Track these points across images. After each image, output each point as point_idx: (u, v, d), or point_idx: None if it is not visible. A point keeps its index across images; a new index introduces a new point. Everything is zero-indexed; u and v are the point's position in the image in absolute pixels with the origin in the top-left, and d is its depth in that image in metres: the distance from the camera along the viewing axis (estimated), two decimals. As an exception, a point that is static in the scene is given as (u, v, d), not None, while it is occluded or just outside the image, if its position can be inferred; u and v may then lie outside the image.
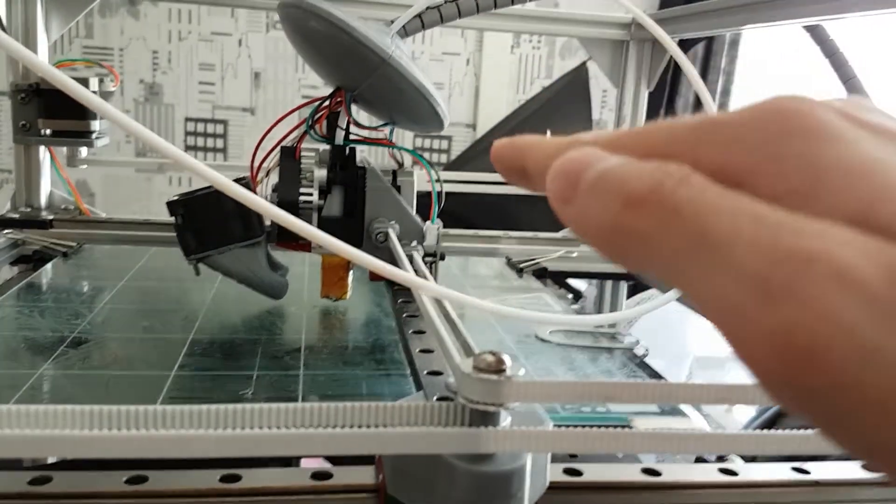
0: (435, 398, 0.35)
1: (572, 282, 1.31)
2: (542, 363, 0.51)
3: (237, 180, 0.59)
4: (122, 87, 1.98)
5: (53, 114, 0.79)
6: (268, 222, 0.58)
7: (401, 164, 0.61)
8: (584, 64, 1.91)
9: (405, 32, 0.59)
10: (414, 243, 0.56)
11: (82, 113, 0.79)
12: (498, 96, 2.06)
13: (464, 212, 1.67)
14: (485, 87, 2.06)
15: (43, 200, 0.84)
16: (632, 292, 0.99)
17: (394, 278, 0.37)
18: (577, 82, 1.93)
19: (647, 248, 0.15)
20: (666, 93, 1.98)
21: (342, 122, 0.58)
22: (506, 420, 0.29)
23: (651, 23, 0.56)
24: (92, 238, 0.78)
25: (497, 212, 1.48)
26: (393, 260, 0.55)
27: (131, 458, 0.26)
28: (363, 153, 0.63)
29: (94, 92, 0.78)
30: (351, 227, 0.58)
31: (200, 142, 2.04)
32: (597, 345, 0.55)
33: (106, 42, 1.97)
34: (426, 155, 2.08)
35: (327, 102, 0.58)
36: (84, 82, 0.78)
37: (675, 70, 1.97)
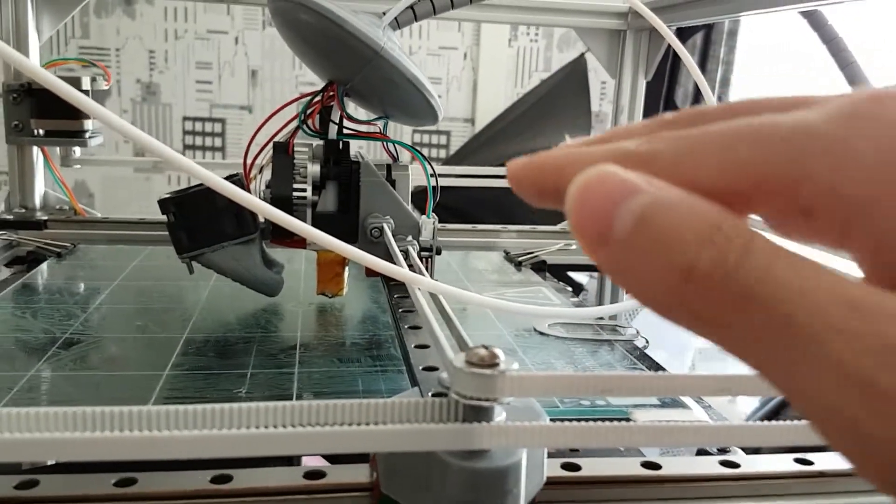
0: (430, 394, 0.34)
1: (573, 275, 1.31)
2: (541, 357, 0.50)
3: (230, 177, 0.59)
4: (118, 87, 1.98)
5: (46, 113, 0.78)
6: (262, 219, 0.57)
7: (395, 159, 0.60)
8: (582, 56, 1.90)
9: (397, 24, 0.58)
10: (409, 238, 0.56)
11: (75, 112, 0.78)
12: (496, 90, 2.05)
13: (463, 206, 1.67)
14: (483, 82, 2.05)
15: (37, 201, 0.83)
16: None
17: (387, 273, 0.36)
18: (575, 74, 1.92)
19: (719, 332, 0.13)
20: (665, 83, 1.97)
21: (335, 117, 0.58)
22: (501, 415, 0.29)
23: (647, 11, 0.56)
24: (86, 238, 0.77)
25: (496, 206, 1.48)
26: (388, 255, 0.54)
27: (119, 460, 0.25)
28: (361, 149, 0.62)
29: (86, 91, 0.77)
30: (346, 222, 0.57)
31: (199, 140, 2.04)
32: (596, 337, 0.54)
33: (102, 42, 1.96)
34: (424, 150, 2.07)
35: (319, 97, 0.58)
36: (76, 81, 0.78)
37: (673, 60, 1.96)
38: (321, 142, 0.58)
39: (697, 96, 1.94)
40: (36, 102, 0.78)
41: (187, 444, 0.24)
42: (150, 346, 0.49)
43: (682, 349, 1.74)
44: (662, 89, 1.98)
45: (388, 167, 0.58)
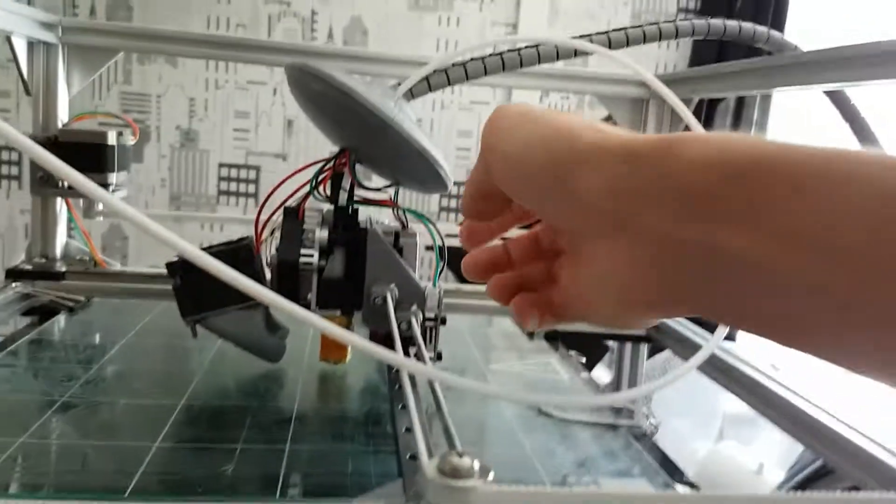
0: (408, 495, 0.33)
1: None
2: (542, 441, 0.48)
3: (240, 240, 0.59)
4: (158, 132, 2.02)
5: (71, 166, 0.79)
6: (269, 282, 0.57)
7: (405, 226, 0.60)
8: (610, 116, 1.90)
9: (412, 95, 0.58)
10: (414, 307, 0.55)
11: (101, 166, 0.80)
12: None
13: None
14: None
15: (58, 251, 0.84)
16: (651, 352, 0.95)
17: (378, 357, 0.35)
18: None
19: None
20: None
21: (346, 183, 0.57)
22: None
23: (659, 84, 0.55)
24: (103, 290, 0.78)
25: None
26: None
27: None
28: (382, 217, 0.62)
29: (112, 146, 0.79)
30: (352, 289, 0.57)
31: (234, 187, 2.07)
32: (600, 420, 0.52)
33: (144, 88, 2.01)
34: (450, 202, 2.08)
35: (332, 163, 0.58)
36: (101, 136, 0.79)
37: (706, 123, 1.94)
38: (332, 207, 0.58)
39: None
40: (61, 155, 0.78)
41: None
42: (145, 413, 0.49)
43: (710, 416, 1.69)
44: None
45: (396, 234, 0.58)
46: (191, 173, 2.05)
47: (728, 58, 0.77)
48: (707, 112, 1.96)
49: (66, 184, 0.80)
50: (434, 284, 0.59)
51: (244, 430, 0.47)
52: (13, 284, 0.75)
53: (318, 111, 0.56)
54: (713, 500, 0.26)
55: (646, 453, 0.47)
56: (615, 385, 0.97)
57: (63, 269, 0.80)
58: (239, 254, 0.55)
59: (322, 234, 0.57)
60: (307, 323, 0.33)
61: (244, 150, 2.06)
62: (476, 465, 0.26)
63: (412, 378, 0.48)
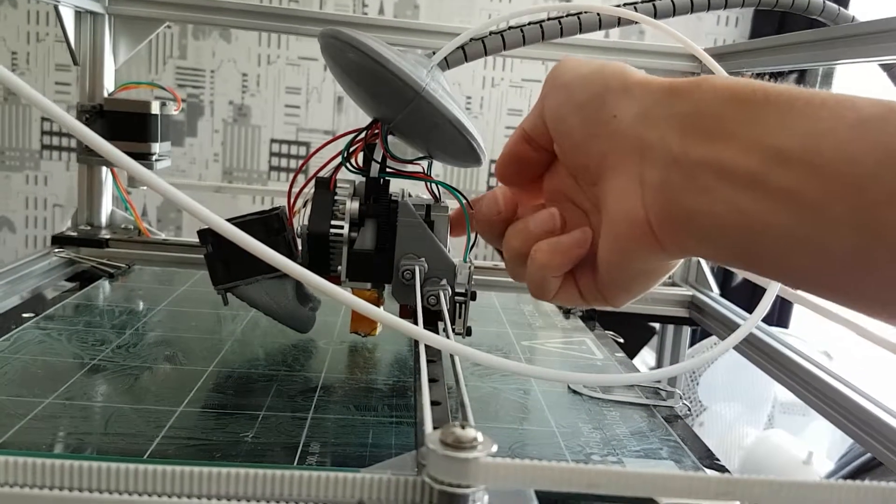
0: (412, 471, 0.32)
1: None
2: (569, 419, 0.47)
3: (272, 210, 0.59)
4: (212, 107, 2.05)
5: (116, 135, 0.81)
6: (299, 253, 0.57)
7: (437, 199, 0.59)
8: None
9: (447, 64, 0.57)
10: (443, 282, 0.54)
11: (144, 135, 0.80)
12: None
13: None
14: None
15: (104, 219, 0.86)
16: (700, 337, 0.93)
17: (397, 328, 0.34)
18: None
19: None
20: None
21: (378, 155, 0.57)
22: (482, 500, 0.26)
23: (706, 56, 0.53)
24: (144, 259, 0.79)
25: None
26: (421, 297, 0.53)
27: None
28: (415, 189, 0.61)
29: (155, 115, 0.79)
30: (382, 261, 0.56)
31: (284, 162, 2.09)
32: (634, 400, 0.51)
33: (198, 63, 2.04)
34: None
35: (363, 134, 0.57)
36: (145, 105, 0.80)
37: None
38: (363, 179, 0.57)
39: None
40: (107, 124, 0.80)
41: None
42: (174, 379, 0.49)
43: (759, 402, 1.65)
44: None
45: (428, 207, 0.57)
46: (243, 148, 2.08)
47: (785, 32, 0.74)
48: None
49: (111, 153, 0.81)
50: (465, 259, 0.58)
51: (269, 397, 0.47)
52: (57, 250, 0.77)
53: (351, 80, 0.55)
54: (726, 483, 0.25)
55: (676, 435, 0.46)
56: (657, 367, 0.95)
57: (107, 236, 0.81)
58: (269, 223, 0.55)
59: (353, 206, 0.56)
60: (330, 295, 0.33)
61: (294, 126, 2.07)
62: (479, 436, 0.25)
63: (435, 351, 0.48)
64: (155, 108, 0.81)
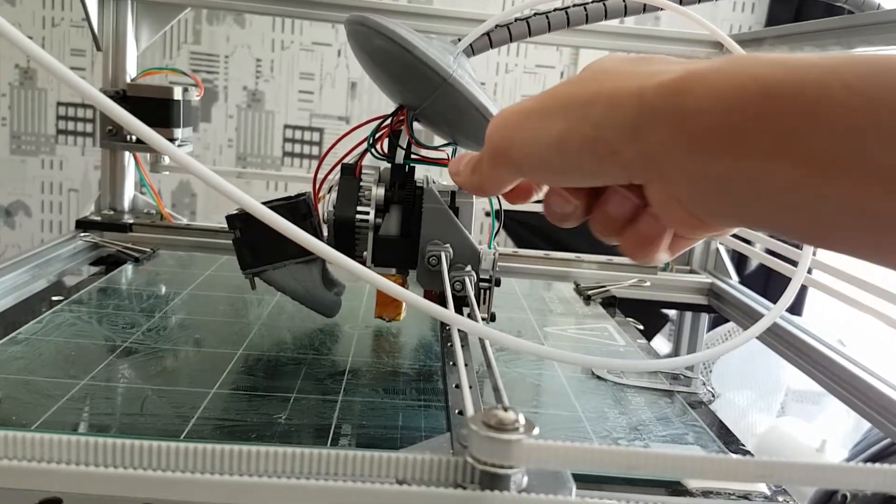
0: (454, 448, 0.33)
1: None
2: (594, 404, 0.48)
3: (298, 196, 0.59)
4: (226, 92, 2.05)
5: (138, 120, 0.81)
6: (325, 237, 0.57)
7: (462, 186, 0.59)
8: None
9: (472, 51, 0.58)
10: (468, 268, 0.54)
11: (167, 120, 0.81)
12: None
13: (548, 228, 1.64)
14: (580, 101, 2.02)
15: (126, 204, 0.86)
16: (713, 325, 0.93)
17: (428, 312, 0.35)
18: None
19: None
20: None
21: (403, 141, 0.57)
22: (522, 480, 0.27)
23: (732, 43, 0.53)
24: (168, 243, 0.80)
25: (584, 228, 1.44)
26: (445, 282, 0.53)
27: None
28: (441, 177, 0.62)
29: (178, 101, 0.80)
30: (407, 247, 0.57)
31: (297, 148, 2.09)
32: (657, 385, 0.51)
33: (213, 49, 2.04)
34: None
35: (389, 121, 0.57)
36: (167, 91, 0.80)
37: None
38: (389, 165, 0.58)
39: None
40: (130, 108, 0.80)
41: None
42: (204, 361, 0.50)
43: (772, 389, 1.65)
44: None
45: (453, 194, 0.57)
46: (257, 134, 2.08)
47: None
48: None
49: (133, 137, 0.82)
50: (489, 246, 0.59)
51: (298, 380, 0.48)
52: (82, 234, 0.77)
53: (377, 66, 0.56)
54: (758, 465, 0.26)
55: (701, 420, 0.46)
56: (674, 354, 0.96)
57: (130, 221, 0.82)
58: (297, 208, 0.55)
59: (379, 192, 0.57)
60: (361, 277, 0.33)
61: (308, 111, 2.07)
62: (521, 419, 0.26)
63: (462, 336, 0.48)
64: (177, 93, 0.81)
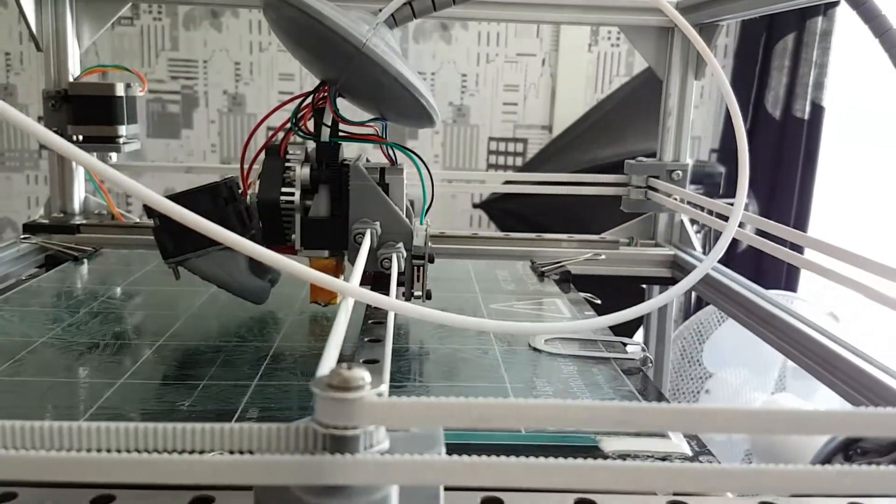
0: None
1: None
2: (524, 375, 0.46)
3: (225, 180, 0.57)
4: (206, 97, 2.04)
5: (82, 119, 0.80)
6: (255, 223, 0.55)
7: (393, 162, 0.57)
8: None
9: (395, 21, 0.56)
10: (399, 245, 0.52)
11: (110, 118, 0.79)
12: (574, 96, 1.99)
13: (531, 214, 1.62)
14: (561, 88, 2.00)
15: (77, 206, 0.85)
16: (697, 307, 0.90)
17: (321, 285, 0.33)
18: (656, 78, 1.84)
19: None
20: (754, 89, 1.86)
21: (327, 118, 0.55)
22: (380, 445, 0.25)
23: (670, 8, 0.50)
24: (115, 242, 0.78)
25: (567, 214, 1.43)
26: (376, 261, 0.51)
27: None
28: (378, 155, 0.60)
29: (120, 97, 0.78)
30: (337, 227, 0.55)
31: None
32: (594, 354, 0.49)
33: (191, 54, 2.03)
34: (500, 158, 2.03)
35: (311, 98, 0.55)
36: (109, 88, 0.79)
37: (763, 63, 1.85)
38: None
39: (789, 101, 1.83)
40: (73, 109, 0.79)
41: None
42: (117, 354, 0.48)
43: (766, 367, 1.63)
44: (751, 95, 1.88)
45: (382, 170, 0.55)
46: (240, 138, 2.07)
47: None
48: (764, 53, 1.87)
49: (79, 138, 0.80)
50: (421, 222, 0.57)
51: (213, 368, 0.46)
52: (24, 237, 0.76)
53: (291, 40, 0.54)
54: (628, 411, 0.24)
55: (631, 385, 0.44)
56: (645, 329, 0.94)
57: (78, 222, 0.80)
58: (217, 192, 0.53)
59: (304, 172, 0.55)
60: (272, 264, 0.31)
61: (289, 112, 2.05)
62: (367, 376, 0.24)
63: (381, 314, 0.47)
64: (120, 90, 0.79)
